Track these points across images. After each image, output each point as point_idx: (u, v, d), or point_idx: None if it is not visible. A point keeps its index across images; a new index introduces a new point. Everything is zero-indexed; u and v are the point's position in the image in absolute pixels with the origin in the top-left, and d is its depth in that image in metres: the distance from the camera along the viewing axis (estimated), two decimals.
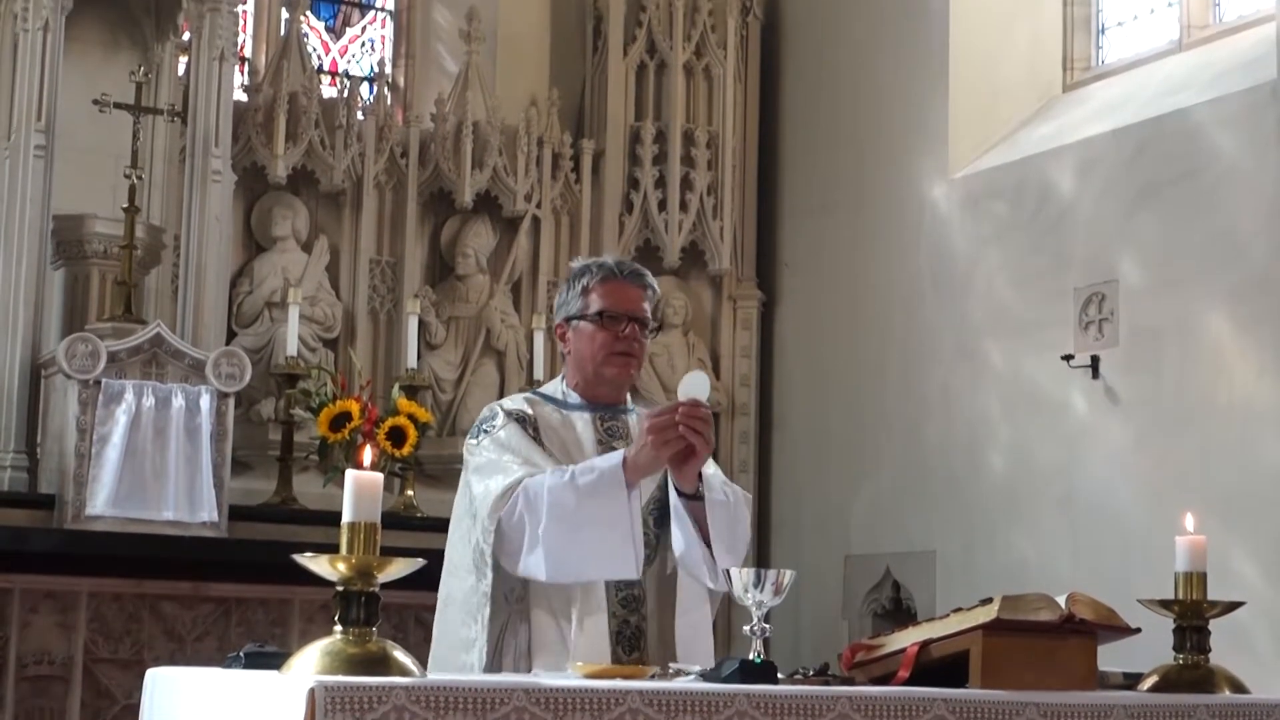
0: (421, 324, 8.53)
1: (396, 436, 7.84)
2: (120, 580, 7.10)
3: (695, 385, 3.77)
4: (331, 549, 2.93)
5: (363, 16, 9.90)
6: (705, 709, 2.95)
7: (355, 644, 2.86)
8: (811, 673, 3.35)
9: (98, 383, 7.18)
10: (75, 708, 6.97)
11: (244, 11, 8.75)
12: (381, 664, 2.84)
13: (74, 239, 7.86)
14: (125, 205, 7.63)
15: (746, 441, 9.41)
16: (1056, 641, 3.40)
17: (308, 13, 9.42)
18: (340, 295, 8.85)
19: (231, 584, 7.26)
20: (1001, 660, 3.33)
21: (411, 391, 8.15)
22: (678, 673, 3.35)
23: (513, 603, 3.88)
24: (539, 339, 8.40)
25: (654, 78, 9.57)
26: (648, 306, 4.05)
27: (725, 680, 3.11)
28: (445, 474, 8.05)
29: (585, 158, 9.38)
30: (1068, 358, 7.69)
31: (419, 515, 7.79)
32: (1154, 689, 3.59)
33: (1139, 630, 3.54)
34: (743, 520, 3.99)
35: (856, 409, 8.94)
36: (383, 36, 9.85)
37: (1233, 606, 3.73)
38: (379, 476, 2.97)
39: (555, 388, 4.14)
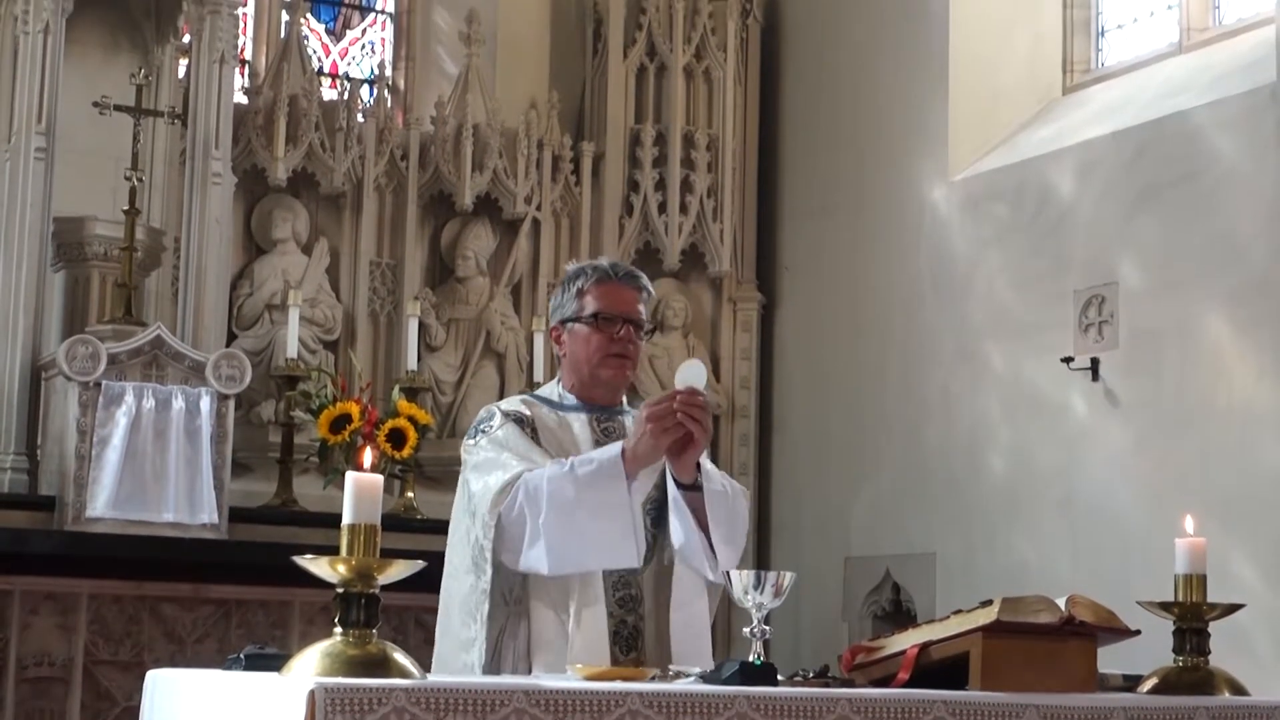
0: (422, 326, 8.53)
1: (396, 438, 7.85)
2: (120, 582, 7.10)
3: (692, 374, 3.78)
4: (332, 551, 2.93)
5: (363, 19, 9.91)
6: (705, 711, 2.95)
7: (355, 646, 2.86)
8: (811, 675, 3.35)
9: (98, 385, 7.18)
10: (75, 709, 6.97)
11: (244, 14, 8.76)
12: (381, 666, 2.84)
13: (74, 241, 7.86)
14: (125, 207, 7.63)
15: (746, 444, 9.41)
16: (1056, 643, 3.40)
17: (308, 15, 9.43)
18: (340, 297, 8.85)
19: (232, 586, 7.26)
20: (1001, 662, 3.33)
21: (411, 393, 8.15)
22: (678, 674, 3.35)
23: (511, 603, 3.89)
24: (539, 341, 8.40)
25: (654, 80, 9.57)
26: (643, 308, 4.06)
27: (725, 682, 3.12)
28: (445, 476, 8.05)
29: (585, 160, 9.39)
30: (1068, 360, 7.69)
31: (419, 517, 7.79)
32: (1154, 691, 3.59)
33: (1139, 632, 3.54)
34: (741, 513, 4.00)
35: (856, 411, 8.94)
36: (383, 39, 9.86)
37: (1232, 609, 3.73)
38: (379, 478, 2.98)
39: (551, 390, 4.15)
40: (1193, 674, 3.64)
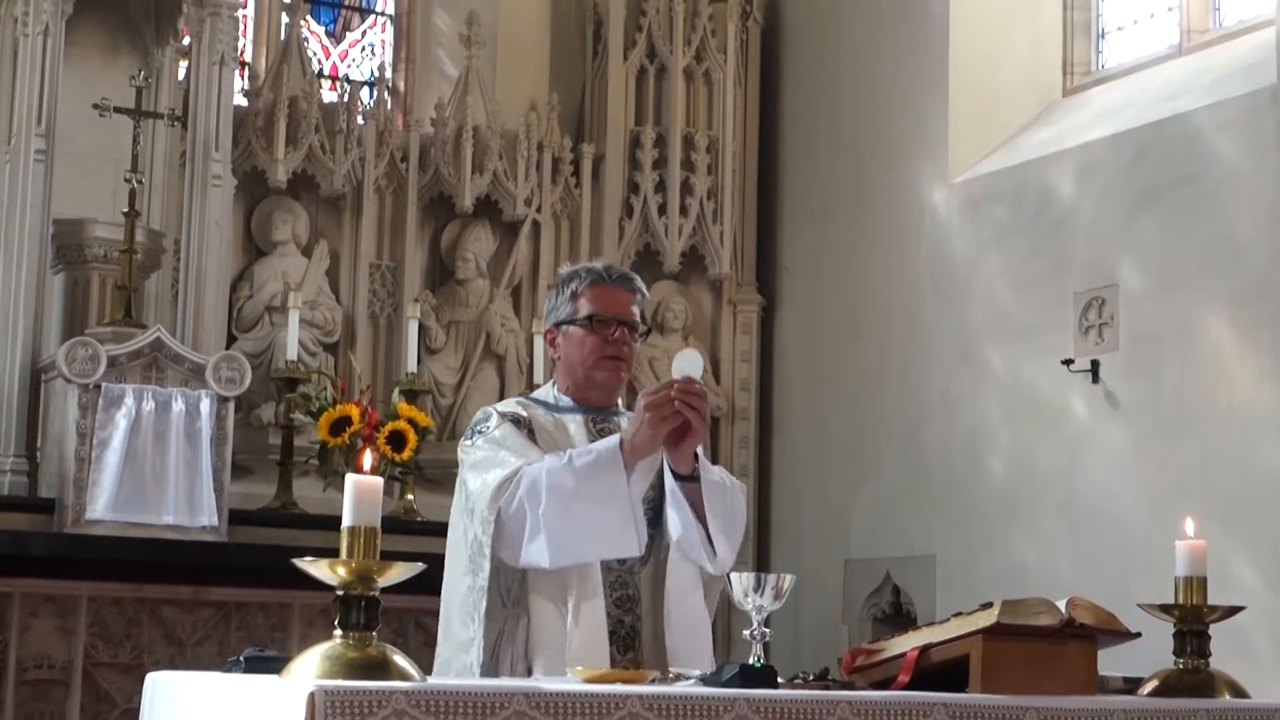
0: (421, 328, 8.53)
1: (396, 441, 7.85)
2: (120, 584, 7.10)
3: (689, 363, 3.79)
4: (331, 553, 2.93)
5: (363, 21, 9.91)
6: (705, 713, 2.95)
7: (355, 648, 2.86)
8: (811, 677, 3.35)
9: (98, 387, 7.17)
10: (75, 712, 6.97)
11: (244, 16, 8.76)
12: (381, 668, 2.84)
13: (74, 243, 7.86)
14: (125, 210, 7.63)
15: (746, 446, 9.41)
16: (1057, 646, 3.40)
17: (308, 17, 9.43)
18: (340, 299, 8.85)
19: (231, 588, 7.27)
20: (1002, 665, 3.33)
21: (411, 396, 8.15)
22: (678, 677, 3.35)
23: (509, 604, 3.89)
24: (539, 343, 8.40)
25: (654, 82, 9.58)
26: (636, 310, 4.08)
27: (725, 684, 3.11)
28: (445, 478, 8.03)
29: (585, 162, 9.39)
30: (1068, 362, 7.69)
31: (419, 519, 7.79)
32: (1154, 693, 3.59)
33: (1139, 635, 3.54)
34: (739, 507, 4.01)
35: (856, 413, 8.94)
36: (383, 41, 9.86)
37: (1233, 611, 3.73)
38: (379, 481, 2.97)
39: (547, 392, 4.16)
40: (1193, 676, 3.64)
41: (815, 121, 9.51)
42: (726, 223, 9.49)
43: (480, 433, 3.99)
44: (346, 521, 2.93)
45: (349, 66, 9.79)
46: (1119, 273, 7.60)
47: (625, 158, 9.47)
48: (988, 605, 3.40)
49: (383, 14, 9.90)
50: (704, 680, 3.23)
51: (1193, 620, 3.68)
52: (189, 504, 7.24)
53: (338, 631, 2.89)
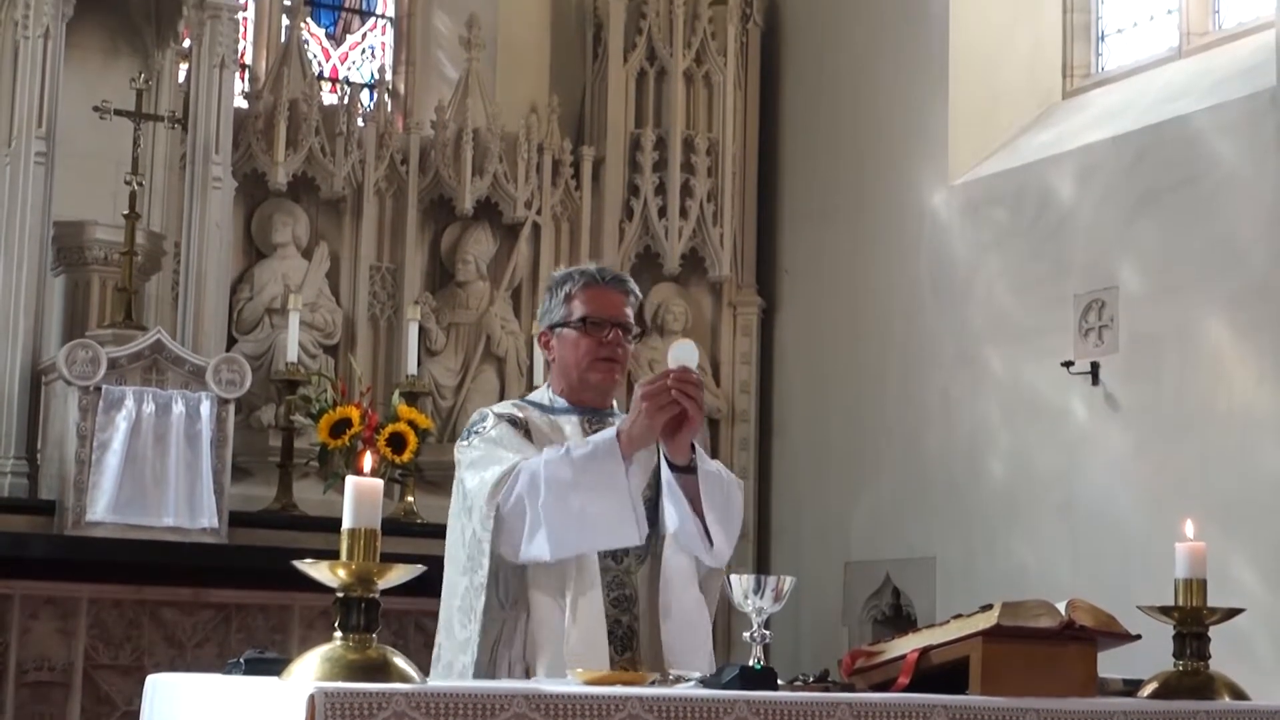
0: (422, 330, 8.53)
1: (397, 443, 7.85)
2: (120, 586, 7.10)
3: (684, 352, 3.80)
4: (332, 555, 2.93)
5: (363, 23, 9.91)
6: (705, 715, 2.95)
7: (355, 650, 2.86)
8: (811, 679, 3.35)
9: (98, 389, 7.18)
10: (75, 714, 6.97)
11: (244, 18, 8.77)
12: (381, 670, 2.84)
13: (74, 245, 7.87)
14: (126, 212, 7.63)
15: (746, 448, 9.41)
16: (1056, 648, 3.40)
17: (308, 20, 9.43)
18: (340, 302, 8.85)
19: (232, 590, 7.27)
20: (1001, 667, 3.33)
21: (412, 398, 8.15)
22: (678, 679, 3.35)
23: (508, 606, 3.89)
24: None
25: (654, 84, 9.58)
26: (630, 312, 4.09)
27: (725, 686, 3.11)
28: (445, 480, 7.96)
29: (585, 164, 9.39)
30: (1068, 364, 7.69)
31: (419, 521, 7.79)
32: (1154, 695, 3.59)
33: (1139, 637, 3.54)
34: (736, 500, 4.03)
35: (856, 415, 8.94)
36: (383, 43, 9.86)
37: (1232, 613, 3.73)
38: (379, 483, 2.97)
39: (542, 395, 4.18)
40: (1193, 678, 3.64)
41: (815, 124, 9.51)
42: (726, 225, 9.49)
43: (477, 433, 4.00)
44: (346, 523, 2.93)
45: (349, 69, 9.80)
46: (1119, 275, 7.61)
47: (625, 160, 9.47)
48: (988, 607, 3.41)
49: (383, 16, 9.90)
50: (704, 682, 3.23)
51: (1192, 622, 3.68)
52: (189, 506, 7.24)
53: (338, 633, 2.89)
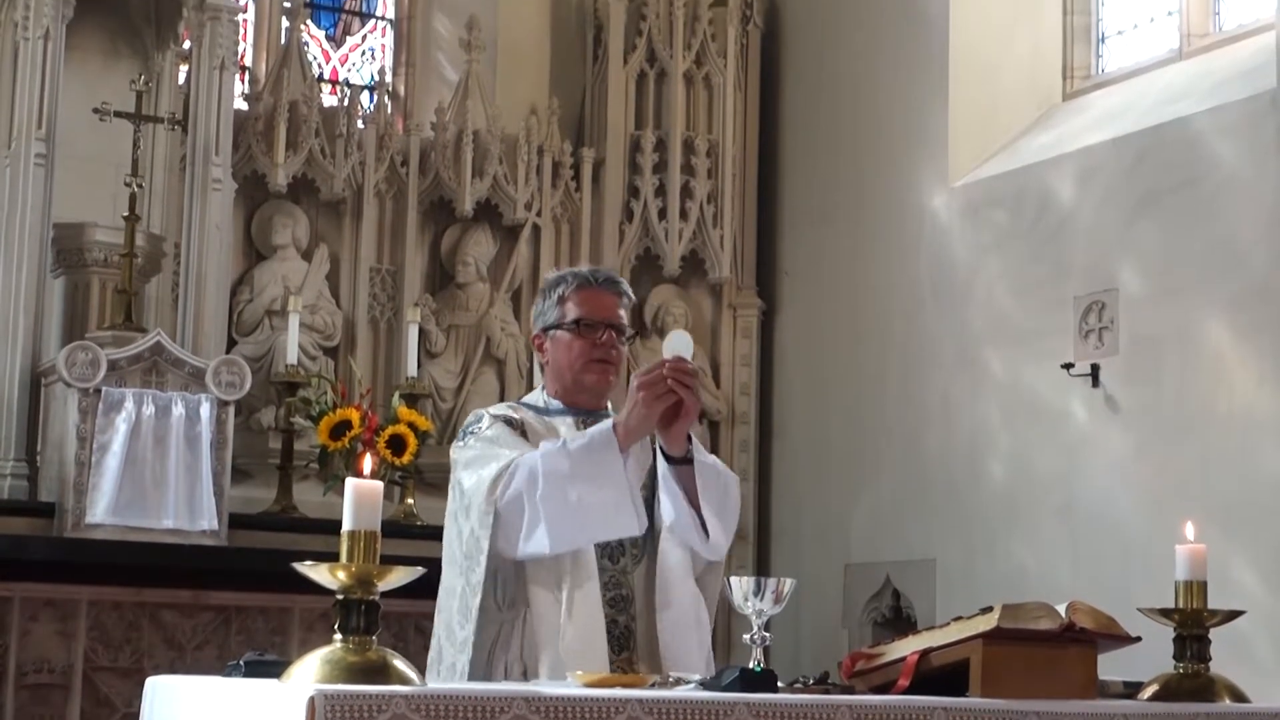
0: (422, 332, 8.53)
1: (396, 445, 7.84)
2: (120, 588, 7.09)
3: (679, 342, 3.80)
4: (331, 557, 2.92)
5: (363, 25, 9.91)
6: (705, 717, 2.94)
7: (355, 652, 2.86)
8: (811, 681, 3.35)
9: (98, 391, 7.17)
10: (75, 716, 6.96)
11: (244, 20, 8.76)
12: (381, 673, 2.84)
13: (74, 247, 7.86)
14: (126, 214, 7.63)
15: (746, 450, 9.41)
16: (1057, 650, 3.40)
17: (308, 21, 9.43)
18: (340, 303, 8.85)
19: (231, 592, 7.26)
20: (1002, 669, 3.33)
21: (411, 400, 8.15)
22: (678, 681, 3.35)
23: (504, 608, 3.88)
24: None
25: (654, 86, 9.58)
26: (624, 314, 4.09)
27: (725, 689, 3.11)
28: (445, 482, 7.85)
29: (585, 166, 9.39)
30: (1068, 366, 7.69)
31: (419, 523, 7.78)
32: (1154, 698, 3.59)
33: (1139, 639, 3.53)
34: (733, 492, 4.03)
35: (857, 417, 8.94)
36: (383, 45, 9.86)
37: (1233, 615, 3.73)
38: (379, 485, 2.97)
39: (536, 397, 4.18)
40: (1193, 681, 3.64)
41: (815, 125, 9.51)
42: (726, 227, 9.49)
43: (472, 434, 4.01)
44: (346, 526, 2.93)
45: (349, 71, 9.80)
46: (1119, 277, 7.61)
47: (625, 162, 9.47)
48: (988, 609, 3.40)
49: (383, 18, 9.90)
50: (704, 684, 3.23)
51: (1193, 624, 3.68)
52: (189, 508, 7.24)
53: (338, 636, 2.89)
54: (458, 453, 4.01)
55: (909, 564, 8.52)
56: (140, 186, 7.72)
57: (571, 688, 3.10)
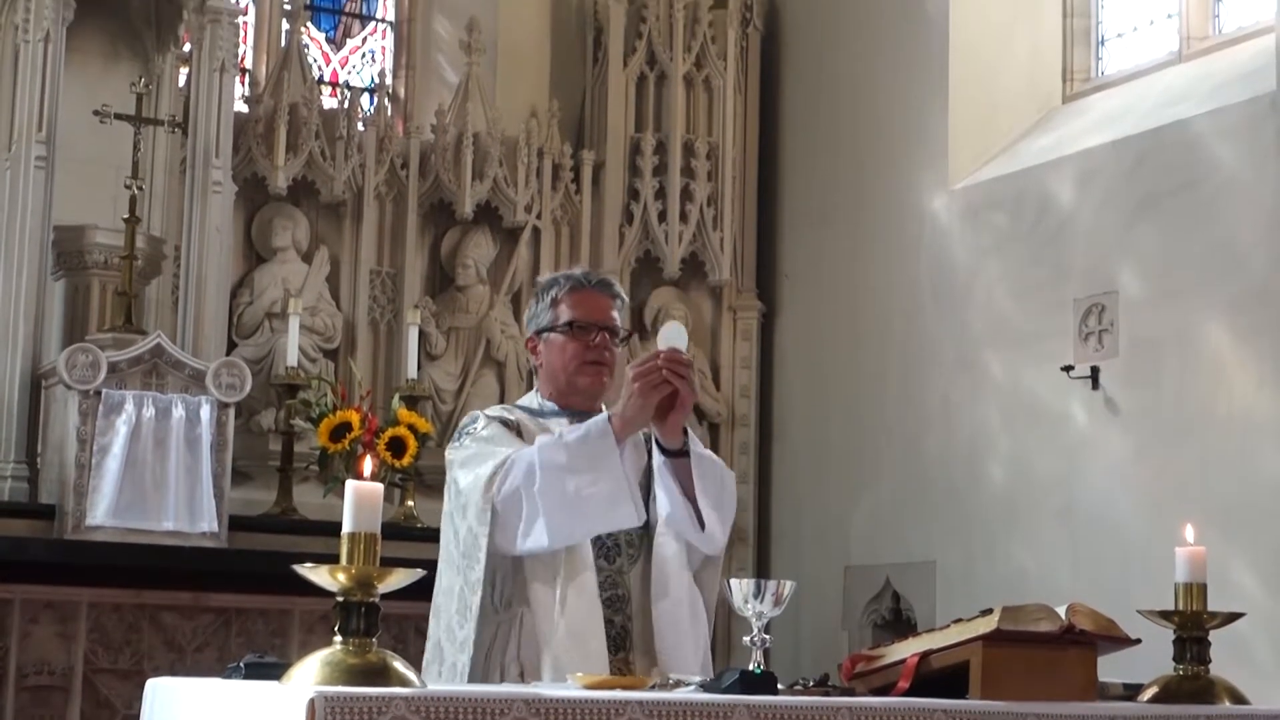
0: (422, 334, 8.53)
1: (396, 447, 7.85)
2: (120, 590, 7.10)
3: (673, 334, 3.80)
4: (331, 559, 2.93)
5: (363, 28, 9.91)
6: (705, 719, 2.95)
7: (355, 654, 2.86)
8: (811, 683, 3.35)
9: (98, 393, 7.18)
10: (75, 718, 6.97)
11: (245, 23, 8.76)
12: (381, 675, 2.84)
13: (74, 250, 7.87)
14: (126, 216, 7.63)
15: (746, 452, 9.41)
16: (1056, 652, 3.40)
17: (308, 24, 9.43)
18: (340, 306, 8.85)
19: (231, 594, 7.26)
20: (1001, 671, 3.33)
21: (412, 402, 8.15)
22: (678, 683, 3.35)
23: (501, 610, 3.88)
24: None
25: (654, 89, 9.58)
26: (617, 315, 4.09)
27: (725, 691, 3.11)
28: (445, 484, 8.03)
29: (585, 169, 9.39)
30: (1067, 369, 7.69)
31: (419, 526, 7.78)
32: (1154, 700, 3.59)
33: (1139, 641, 3.54)
34: (729, 485, 4.02)
35: (856, 420, 8.94)
36: (383, 47, 9.86)
37: (1233, 617, 3.73)
38: (379, 487, 2.97)
39: (531, 400, 4.18)
40: (1193, 683, 3.64)
41: (815, 128, 9.51)
42: (726, 229, 9.50)
43: (468, 434, 4.01)
44: (346, 528, 2.93)
45: (349, 73, 9.80)
46: (1119, 279, 7.61)
47: (625, 164, 9.47)
48: (988, 611, 3.41)
49: (383, 21, 9.90)
50: (704, 686, 3.23)
51: (1192, 626, 3.68)
52: (189, 510, 7.24)
53: (338, 638, 2.89)
54: (453, 453, 4.01)
55: (909, 566, 8.52)
56: (140, 189, 7.72)
57: (572, 690, 3.10)
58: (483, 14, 9.42)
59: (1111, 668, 3.61)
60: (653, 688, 3.25)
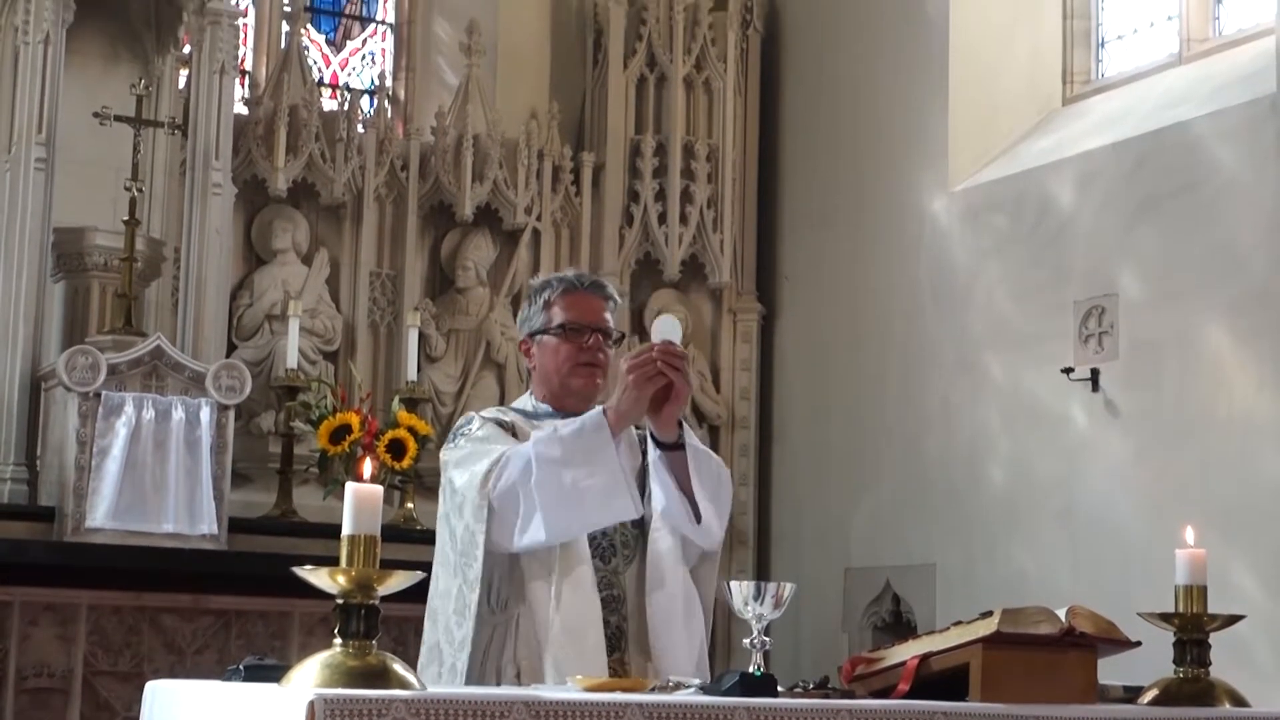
0: (421, 336, 8.53)
1: (396, 449, 7.85)
2: (120, 593, 7.09)
3: (668, 326, 3.80)
4: (331, 562, 2.92)
5: (363, 29, 9.91)
6: None
7: (355, 657, 2.86)
8: (812, 686, 3.34)
9: (98, 395, 7.17)
10: None
11: (245, 24, 8.76)
12: (381, 677, 2.83)
13: (74, 252, 7.87)
14: (125, 218, 7.63)
15: (746, 454, 9.41)
16: (1057, 655, 3.40)
17: (308, 26, 9.43)
18: (340, 308, 8.85)
19: (231, 597, 7.26)
20: (1001, 673, 3.33)
21: (411, 404, 8.15)
22: (677, 686, 3.34)
23: (497, 611, 3.88)
24: None
25: (654, 91, 9.58)
26: (610, 317, 4.10)
27: (725, 693, 3.11)
28: None
29: (585, 171, 9.39)
30: (1068, 371, 7.69)
31: (419, 528, 7.78)
32: (1154, 702, 3.59)
33: (1139, 643, 3.53)
34: (725, 478, 4.02)
35: (857, 422, 8.94)
36: (383, 49, 9.86)
37: (1233, 620, 3.73)
38: (379, 489, 2.97)
39: (525, 402, 4.19)
40: (1193, 685, 3.64)
41: (815, 130, 9.51)
42: (726, 231, 9.50)
43: (463, 434, 4.01)
44: (346, 530, 2.93)
45: (349, 75, 9.80)
46: (1119, 281, 7.61)
47: (625, 166, 9.47)
48: (988, 614, 3.41)
49: (383, 23, 9.90)
50: (704, 689, 3.23)
51: (1193, 629, 3.68)
52: (189, 512, 7.24)
53: (337, 640, 2.89)
54: (448, 453, 4.00)
55: (909, 568, 8.52)
56: (140, 191, 7.72)
57: (571, 692, 3.10)
58: (483, 16, 9.42)
59: (1112, 670, 3.61)
60: (652, 690, 3.24)
